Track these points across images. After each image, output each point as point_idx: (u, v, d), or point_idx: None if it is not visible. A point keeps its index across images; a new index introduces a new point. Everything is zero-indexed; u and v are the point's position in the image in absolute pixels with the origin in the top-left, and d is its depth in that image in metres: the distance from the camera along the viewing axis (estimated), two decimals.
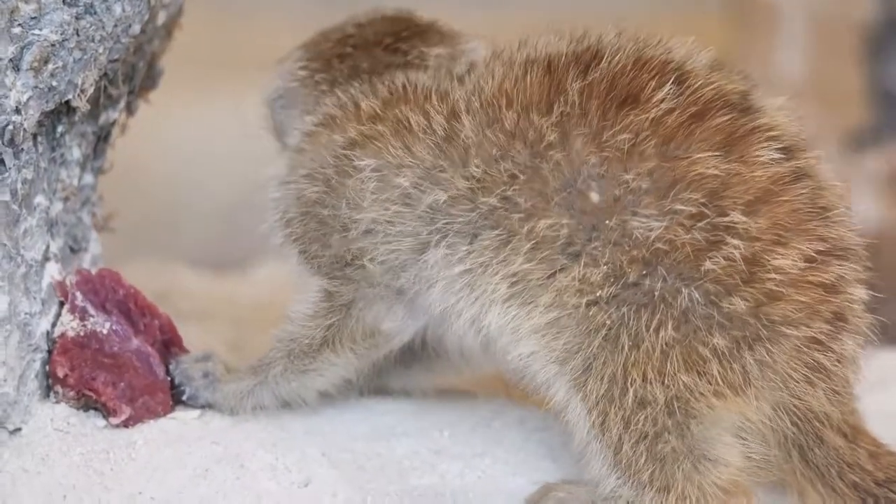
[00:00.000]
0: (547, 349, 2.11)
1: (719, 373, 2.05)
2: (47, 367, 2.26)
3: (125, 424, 2.24)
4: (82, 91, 2.21)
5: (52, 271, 2.27)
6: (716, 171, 2.05)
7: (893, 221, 3.49)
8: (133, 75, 2.40)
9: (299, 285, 2.28)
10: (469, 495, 2.24)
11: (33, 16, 2.14)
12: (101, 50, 2.21)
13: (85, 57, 2.19)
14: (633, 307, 2.06)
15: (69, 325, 2.27)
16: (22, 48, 2.13)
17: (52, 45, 2.15)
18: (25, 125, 2.16)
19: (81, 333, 2.27)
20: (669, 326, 2.05)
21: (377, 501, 2.19)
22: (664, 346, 2.05)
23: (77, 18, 2.17)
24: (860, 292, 2.12)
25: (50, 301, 2.27)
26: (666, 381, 2.05)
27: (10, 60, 2.13)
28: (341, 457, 2.26)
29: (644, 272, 2.05)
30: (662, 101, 2.08)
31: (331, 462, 2.24)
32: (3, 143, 2.15)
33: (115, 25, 2.21)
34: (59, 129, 2.26)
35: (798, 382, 2.07)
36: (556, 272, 2.09)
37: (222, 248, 3.58)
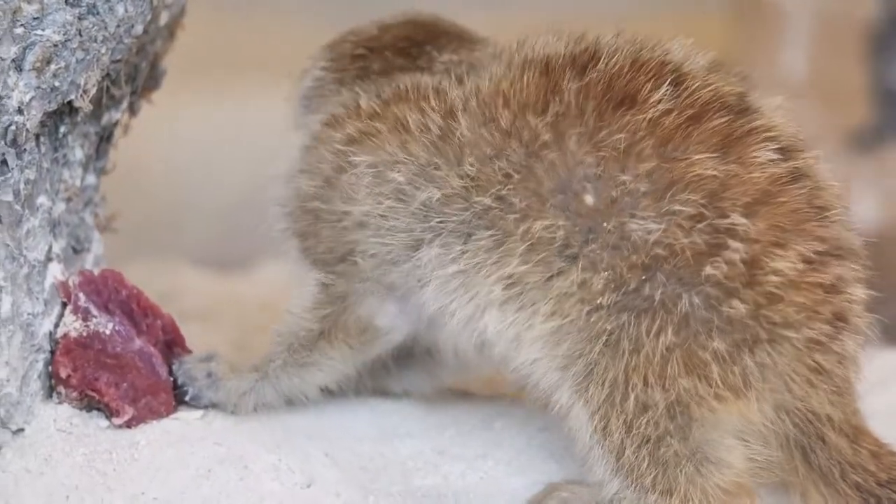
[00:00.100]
0: (549, 357, 2.11)
1: (720, 376, 2.04)
2: (50, 368, 2.26)
3: (128, 425, 2.24)
4: (85, 91, 2.21)
5: (55, 272, 2.27)
6: (714, 173, 2.05)
7: (894, 221, 3.49)
8: (136, 76, 2.40)
9: (299, 281, 2.29)
10: (471, 496, 2.24)
11: (36, 16, 2.14)
12: (103, 50, 2.21)
13: (87, 57, 2.19)
14: (633, 313, 2.05)
15: (72, 325, 2.27)
16: (24, 48, 2.13)
17: (55, 46, 2.15)
18: (28, 125, 2.16)
19: (84, 334, 2.27)
20: (670, 331, 2.04)
21: (380, 502, 2.19)
22: (664, 350, 2.04)
23: (80, 19, 2.17)
24: (860, 292, 2.11)
25: (53, 302, 2.27)
26: (667, 386, 2.05)
27: (13, 61, 2.13)
28: (344, 457, 2.26)
29: (644, 277, 2.05)
30: (659, 102, 2.08)
31: (334, 463, 2.24)
32: (5, 144, 2.15)
33: (118, 26, 2.21)
34: (62, 129, 2.26)
35: (799, 384, 2.07)
36: (553, 276, 2.09)
37: (225, 248, 3.58)
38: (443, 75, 2.24)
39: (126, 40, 2.24)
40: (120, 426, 2.24)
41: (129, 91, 2.39)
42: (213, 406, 2.30)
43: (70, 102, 2.21)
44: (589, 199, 2.07)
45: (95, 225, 2.40)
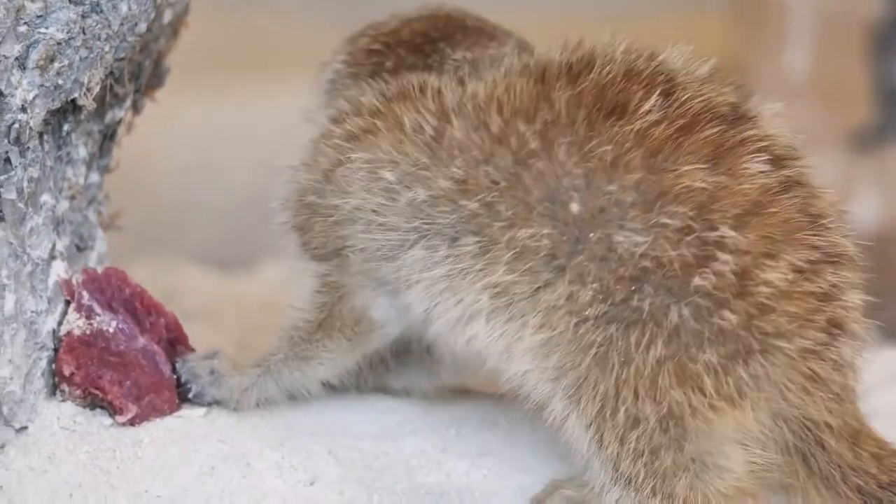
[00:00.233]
0: (539, 368, 2.10)
1: (714, 387, 2.03)
2: (53, 366, 2.26)
3: (131, 423, 2.25)
4: (88, 89, 2.21)
5: (59, 270, 2.27)
6: (703, 185, 2.04)
7: None
8: (139, 74, 2.40)
9: (299, 275, 2.29)
10: (475, 493, 2.24)
11: (39, 14, 2.14)
12: (107, 48, 2.21)
13: (91, 55, 2.19)
14: (622, 325, 2.05)
15: (75, 323, 2.27)
16: (28, 46, 2.14)
17: (59, 44, 2.15)
18: (31, 124, 2.16)
19: (87, 332, 2.27)
20: (660, 344, 2.03)
21: (384, 500, 2.19)
22: (655, 363, 2.04)
23: (83, 17, 2.17)
24: (856, 298, 2.10)
25: (56, 299, 2.27)
26: (658, 398, 2.04)
27: (17, 59, 2.13)
28: (348, 455, 2.26)
29: (632, 289, 2.04)
30: (649, 112, 2.07)
31: (337, 460, 2.24)
32: (9, 142, 2.15)
33: (122, 24, 2.21)
34: (66, 127, 2.27)
35: (795, 392, 2.06)
36: (540, 287, 2.08)
37: (229, 247, 3.58)
38: (448, 75, 2.24)
39: (130, 38, 2.24)
40: (123, 424, 2.24)
41: (133, 89, 2.39)
42: (216, 403, 2.30)
43: (74, 100, 2.21)
44: (574, 208, 2.06)
45: (99, 223, 2.41)
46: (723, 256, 2.03)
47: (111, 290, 2.30)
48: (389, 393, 2.42)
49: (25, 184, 2.18)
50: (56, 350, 2.26)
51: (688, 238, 2.03)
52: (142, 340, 2.29)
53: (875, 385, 2.44)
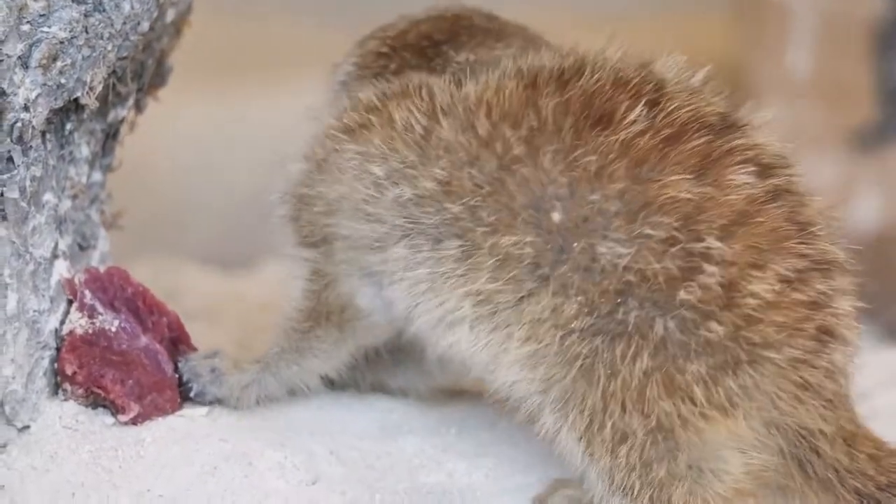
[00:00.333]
0: (527, 380, 2.10)
1: (704, 396, 2.03)
2: (56, 365, 2.26)
3: (133, 422, 2.25)
4: (91, 88, 2.21)
5: (61, 269, 2.27)
6: (688, 195, 2.03)
7: None
8: (142, 73, 2.40)
9: (294, 268, 2.30)
10: (477, 493, 2.25)
11: (42, 13, 2.14)
12: (109, 47, 2.21)
13: (94, 54, 2.19)
14: (607, 337, 2.04)
15: (77, 322, 2.27)
16: (31, 45, 2.14)
17: (61, 43, 2.15)
18: (34, 122, 2.16)
19: (90, 331, 2.27)
20: (646, 356, 2.03)
21: (385, 499, 2.20)
22: (641, 375, 2.03)
23: (86, 16, 2.17)
24: (847, 304, 2.10)
25: (58, 299, 2.27)
26: (646, 411, 2.03)
27: (19, 58, 2.13)
28: (349, 455, 2.26)
29: (617, 301, 2.04)
30: (634, 122, 2.06)
31: (339, 460, 2.24)
32: (11, 141, 2.15)
33: (124, 23, 2.21)
34: (68, 126, 2.27)
35: (787, 401, 2.06)
36: (524, 297, 2.08)
37: (230, 246, 3.58)
38: (446, 76, 2.24)
39: (132, 37, 2.24)
40: (125, 423, 2.24)
41: (136, 88, 2.39)
42: (218, 402, 2.30)
43: (76, 99, 2.21)
44: (556, 217, 2.06)
45: (101, 222, 2.41)
46: (709, 268, 2.02)
47: (113, 290, 2.30)
48: (387, 392, 2.42)
49: (28, 183, 2.18)
50: (58, 349, 2.27)
51: (672, 249, 2.03)
52: (144, 339, 2.29)
53: (876, 386, 2.45)
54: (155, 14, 2.26)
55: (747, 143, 2.09)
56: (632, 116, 2.06)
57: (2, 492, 2.16)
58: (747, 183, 2.06)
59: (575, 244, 2.05)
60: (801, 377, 2.05)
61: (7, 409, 2.19)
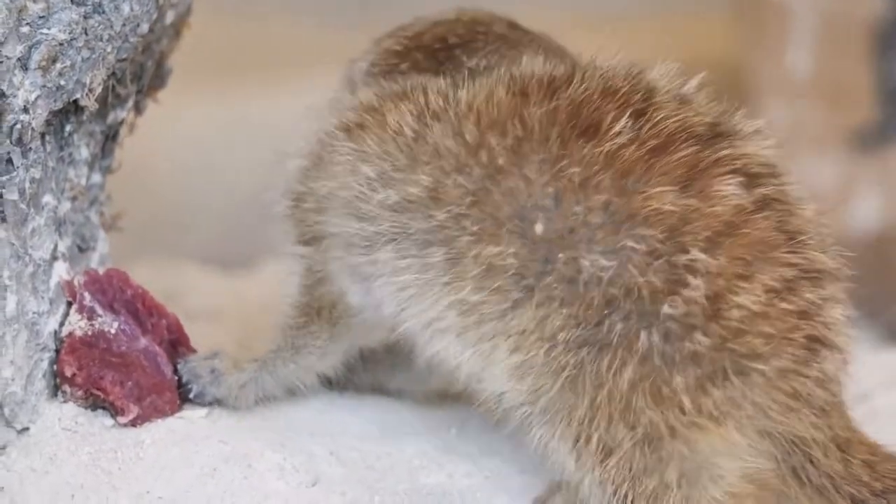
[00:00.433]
0: (515, 391, 2.10)
1: (693, 406, 2.02)
2: (55, 367, 2.27)
3: (133, 423, 2.25)
4: (90, 90, 2.21)
5: (60, 270, 2.27)
6: (672, 207, 2.02)
7: None
8: (141, 74, 2.40)
9: (290, 266, 2.30)
10: (477, 494, 2.25)
11: (41, 15, 2.14)
12: (109, 49, 2.21)
13: (93, 56, 2.19)
14: (593, 348, 2.04)
15: (77, 324, 2.27)
16: (30, 47, 2.14)
17: (61, 44, 2.15)
18: (33, 124, 2.16)
19: (89, 333, 2.27)
20: (631, 368, 2.02)
21: (386, 500, 2.20)
22: (628, 386, 2.02)
23: (85, 17, 2.17)
24: (837, 312, 2.09)
25: (58, 300, 2.27)
26: (633, 423, 2.03)
27: (19, 59, 2.13)
28: (349, 456, 2.26)
29: (603, 313, 2.03)
30: (619, 134, 2.05)
31: (339, 461, 2.24)
32: (11, 142, 2.15)
33: (124, 24, 2.21)
34: (68, 128, 2.27)
35: (778, 410, 2.05)
36: (509, 308, 2.07)
37: (230, 247, 3.58)
38: (443, 80, 2.23)
39: (132, 39, 2.24)
40: (125, 425, 2.25)
41: (135, 90, 2.39)
42: (217, 402, 2.31)
43: (76, 101, 2.21)
44: (539, 228, 2.05)
45: (101, 224, 2.41)
46: (693, 281, 2.01)
47: (113, 291, 2.30)
48: (386, 393, 2.42)
49: (27, 184, 2.18)
50: (58, 351, 2.27)
51: (656, 263, 2.02)
52: (143, 341, 2.29)
53: (876, 386, 2.44)
54: (154, 16, 2.26)
55: (735, 153, 2.08)
56: (617, 128, 2.05)
57: (1, 493, 2.16)
58: (734, 193, 2.05)
59: (560, 255, 2.04)
60: (791, 387, 2.05)
61: (6, 410, 2.20)
